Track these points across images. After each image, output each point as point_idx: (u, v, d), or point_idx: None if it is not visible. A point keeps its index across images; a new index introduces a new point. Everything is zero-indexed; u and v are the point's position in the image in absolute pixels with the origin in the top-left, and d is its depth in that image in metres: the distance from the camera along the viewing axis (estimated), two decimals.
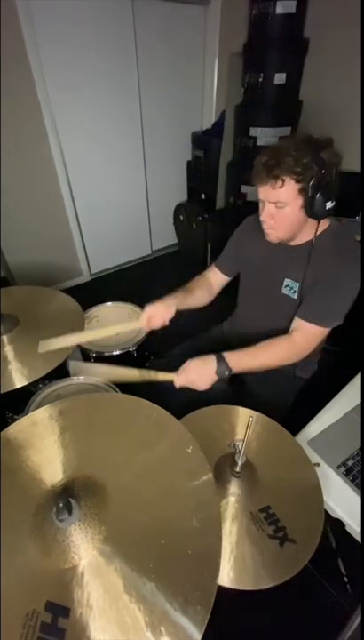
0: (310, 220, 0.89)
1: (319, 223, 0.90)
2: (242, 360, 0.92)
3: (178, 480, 0.58)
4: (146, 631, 0.43)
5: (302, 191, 0.84)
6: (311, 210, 0.86)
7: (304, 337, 0.94)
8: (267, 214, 0.91)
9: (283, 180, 0.83)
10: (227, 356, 0.90)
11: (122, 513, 0.53)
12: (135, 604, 0.45)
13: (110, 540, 0.50)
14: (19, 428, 0.66)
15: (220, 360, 0.89)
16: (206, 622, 0.43)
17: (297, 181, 0.82)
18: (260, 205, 0.93)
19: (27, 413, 0.99)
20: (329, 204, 0.85)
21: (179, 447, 0.62)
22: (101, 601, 0.45)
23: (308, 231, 0.93)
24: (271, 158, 0.82)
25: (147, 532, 0.52)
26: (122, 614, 0.44)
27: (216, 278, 1.22)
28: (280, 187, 0.84)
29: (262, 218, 0.93)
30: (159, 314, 1.03)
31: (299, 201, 0.85)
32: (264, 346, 0.94)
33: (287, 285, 1.01)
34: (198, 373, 0.89)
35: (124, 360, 1.22)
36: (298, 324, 0.95)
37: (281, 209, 0.87)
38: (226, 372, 0.89)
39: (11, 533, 0.52)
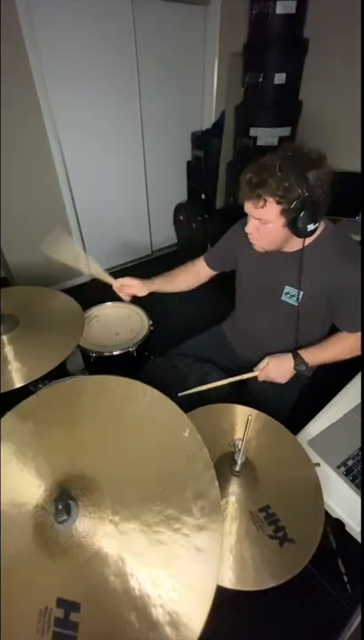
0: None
1: (304, 240, 0.90)
2: (315, 354, 0.99)
3: (176, 466, 0.56)
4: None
5: (284, 212, 0.83)
6: (294, 229, 0.86)
7: (356, 340, 0.98)
8: (252, 227, 0.91)
9: (265, 200, 0.83)
10: (302, 352, 0.98)
11: (120, 497, 0.52)
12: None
13: (113, 531, 0.49)
14: None
15: (297, 357, 0.98)
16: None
17: (279, 203, 0.82)
18: (247, 217, 0.93)
19: None
20: (312, 227, 0.85)
21: (175, 431, 0.59)
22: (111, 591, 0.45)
23: (299, 240, 0.92)
24: (254, 176, 0.82)
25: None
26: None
27: (204, 270, 1.25)
28: (262, 206, 0.84)
29: (247, 229, 0.94)
30: (133, 288, 1.09)
31: (282, 220, 0.86)
32: (332, 341, 1.01)
33: (287, 293, 1.00)
34: (278, 370, 0.99)
35: (124, 360, 1.22)
36: (346, 334, 0.99)
37: (265, 225, 0.88)
38: (303, 367, 0.97)
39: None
